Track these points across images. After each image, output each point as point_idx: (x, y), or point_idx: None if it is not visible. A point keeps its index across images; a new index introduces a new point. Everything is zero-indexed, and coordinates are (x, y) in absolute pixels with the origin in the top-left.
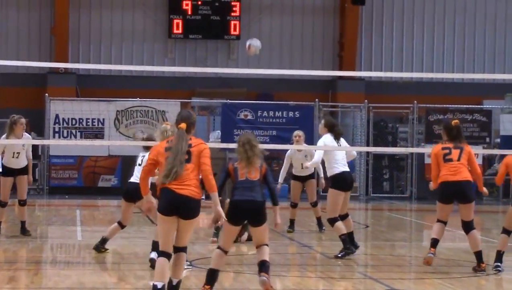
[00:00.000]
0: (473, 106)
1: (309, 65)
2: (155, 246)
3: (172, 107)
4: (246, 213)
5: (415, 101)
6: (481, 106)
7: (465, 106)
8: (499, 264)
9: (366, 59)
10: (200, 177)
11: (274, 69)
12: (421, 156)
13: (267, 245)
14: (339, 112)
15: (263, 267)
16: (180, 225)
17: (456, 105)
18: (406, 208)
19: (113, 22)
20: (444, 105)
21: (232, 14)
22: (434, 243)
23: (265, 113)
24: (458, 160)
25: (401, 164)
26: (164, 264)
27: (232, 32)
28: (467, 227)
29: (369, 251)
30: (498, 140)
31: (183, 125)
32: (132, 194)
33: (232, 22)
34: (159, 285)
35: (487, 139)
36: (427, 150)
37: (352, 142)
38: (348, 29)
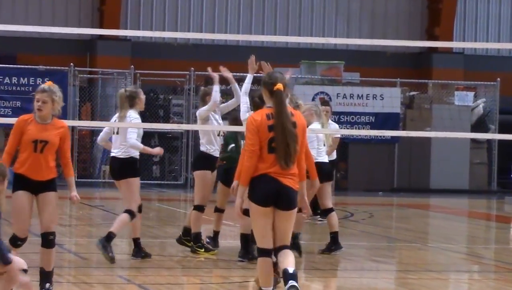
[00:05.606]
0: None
1: (62, 21)
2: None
3: None
4: None
5: (192, 68)
6: None
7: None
8: None
9: (133, 16)
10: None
11: (17, 25)
12: (198, 134)
13: None
14: (99, 79)
15: None
16: None
17: (240, 73)
18: (179, 198)
19: None
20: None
21: None
22: None
23: (6, 80)
24: None
25: (174, 144)
26: (268, 264)
27: None
28: None
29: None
30: None
31: None
32: None
33: None
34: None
35: None
36: (205, 127)
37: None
38: None
